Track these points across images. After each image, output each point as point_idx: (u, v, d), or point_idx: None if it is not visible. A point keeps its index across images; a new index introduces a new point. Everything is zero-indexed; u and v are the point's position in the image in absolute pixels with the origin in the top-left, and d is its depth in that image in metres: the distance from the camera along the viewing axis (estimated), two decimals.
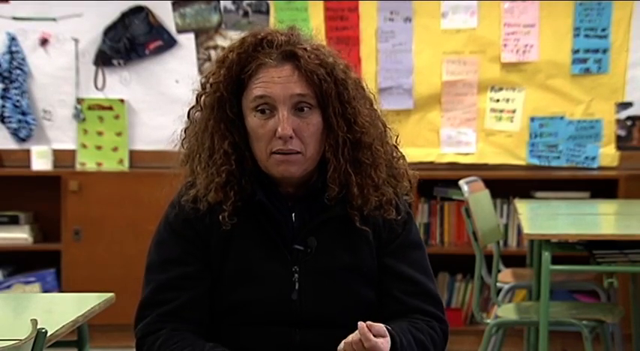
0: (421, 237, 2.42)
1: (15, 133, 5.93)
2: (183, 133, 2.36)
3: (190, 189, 2.31)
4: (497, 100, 5.94)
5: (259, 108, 2.25)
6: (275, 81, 2.24)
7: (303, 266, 2.27)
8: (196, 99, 2.33)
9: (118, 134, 5.96)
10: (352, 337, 2.11)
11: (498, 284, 4.74)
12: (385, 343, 2.11)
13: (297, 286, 2.27)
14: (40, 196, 5.90)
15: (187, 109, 2.35)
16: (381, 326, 2.11)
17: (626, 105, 5.93)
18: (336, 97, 2.25)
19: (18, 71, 5.89)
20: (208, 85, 2.29)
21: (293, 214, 2.29)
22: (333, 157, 2.26)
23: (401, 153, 2.38)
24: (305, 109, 2.25)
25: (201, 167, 2.29)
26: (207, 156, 2.28)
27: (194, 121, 2.33)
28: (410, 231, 2.34)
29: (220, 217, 2.26)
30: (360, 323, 2.09)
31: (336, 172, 2.26)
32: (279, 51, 2.25)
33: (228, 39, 5.91)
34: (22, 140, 5.94)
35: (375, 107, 2.34)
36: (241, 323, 2.28)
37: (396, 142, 2.37)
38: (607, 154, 5.92)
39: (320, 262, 2.27)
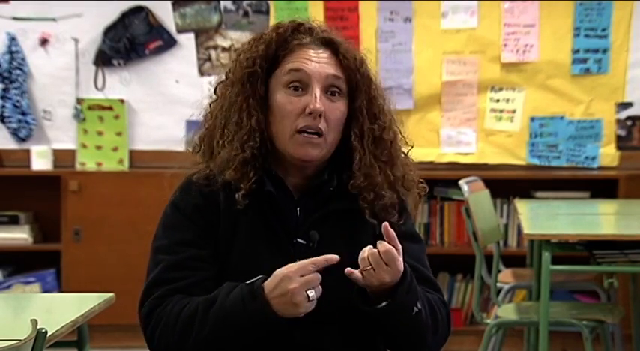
0: (420, 235, 2.43)
1: (15, 133, 5.93)
2: (208, 107, 2.35)
3: (203, 171, 2.30)
4: (497, 100, 5.94)
5: (292, 84, 2.26)
6: (312, 59, 2.27)
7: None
8: (226, 75, 2.33)
9: (118, 134, 5.96)
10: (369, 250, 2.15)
11: (498, 284, 4.74)
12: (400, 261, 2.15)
13: None
14: (40, 196, 5.89)
15: (215, 84, 2.36)
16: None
17: (626, 105, 5.92)
18: (366, 89, 2.30)
19: (18, 71, 5.89)
20: (243, 60, 2.29)
21: (298, 209, 2.29)
22: (359, 146, 2.29)
23: (412, 163, 2.39)
24: (336, 93, 2.28)
25: (227, 141, 2.27)
26: (232, 131, 2.27)
27: (220, 96, 2.33)
28: (405, 223, 2.34)
29: (236, 195, 2.24)
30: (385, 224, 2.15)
31: (362, 160, 2.28)
32: (318, 37, 2.31)
33: (228, 39, 5.91)
34: (22, 140, 5.94)
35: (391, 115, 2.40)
36: None
37: (407, 154, 2.40)
38: (607, 154, 5.92)
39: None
